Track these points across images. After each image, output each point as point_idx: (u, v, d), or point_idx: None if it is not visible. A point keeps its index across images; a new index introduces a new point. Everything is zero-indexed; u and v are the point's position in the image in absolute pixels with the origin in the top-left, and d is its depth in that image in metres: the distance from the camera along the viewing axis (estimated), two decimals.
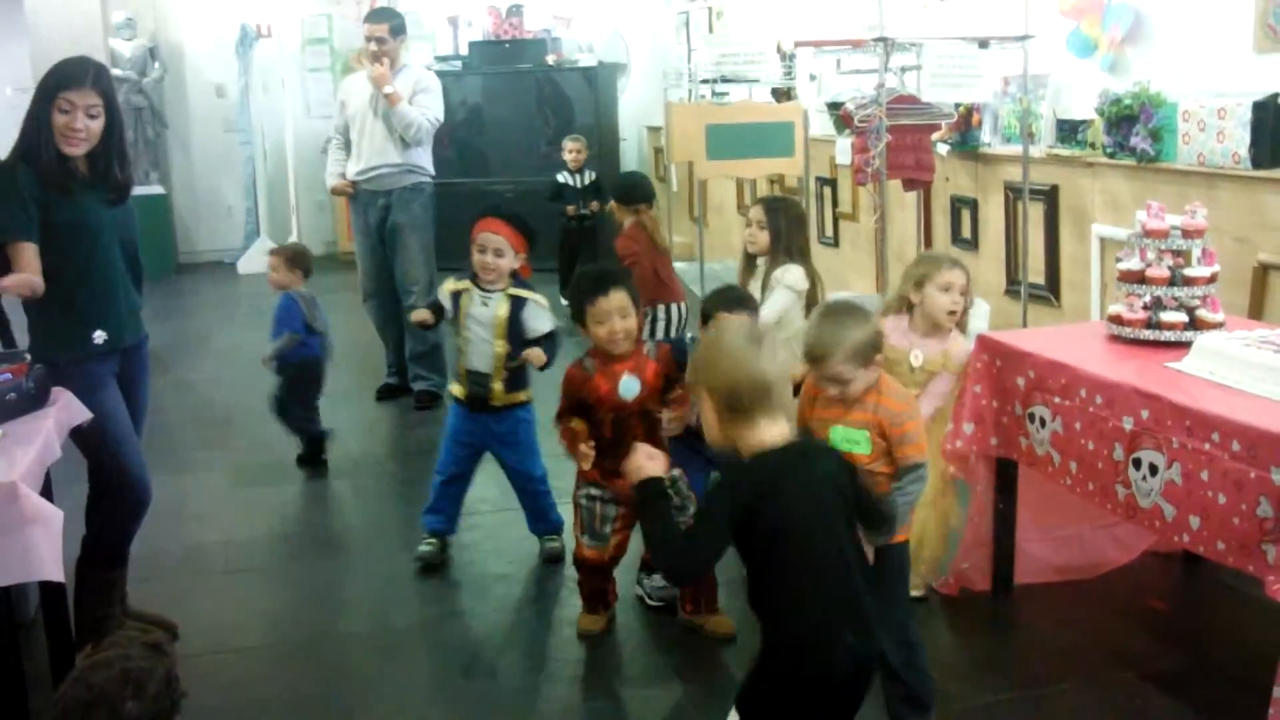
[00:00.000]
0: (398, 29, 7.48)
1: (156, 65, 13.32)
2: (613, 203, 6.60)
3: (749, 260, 5.25)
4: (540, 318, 4.94)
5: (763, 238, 5.13)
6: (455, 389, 5.03)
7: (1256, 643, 3.54)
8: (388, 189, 7.48)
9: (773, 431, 2.83)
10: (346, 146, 7.63)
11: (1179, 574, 4.71)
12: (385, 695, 4.08)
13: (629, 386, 4.16)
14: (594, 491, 4.31)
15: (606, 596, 4.50)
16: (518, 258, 4.91)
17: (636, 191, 6.47)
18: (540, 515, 5.17)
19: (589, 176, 10.48)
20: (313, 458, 6.47)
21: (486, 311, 4.87)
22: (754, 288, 5.18)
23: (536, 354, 4.87)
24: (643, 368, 4.20)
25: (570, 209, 10.26)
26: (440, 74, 8.81)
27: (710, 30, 11.35)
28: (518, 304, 4.90)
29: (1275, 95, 5.38)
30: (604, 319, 4.14)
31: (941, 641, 4.28)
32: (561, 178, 10.43)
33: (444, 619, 4.67)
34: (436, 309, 5.03)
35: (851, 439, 3.43)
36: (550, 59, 12.98)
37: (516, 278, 4.94)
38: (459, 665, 4.31)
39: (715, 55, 8.27)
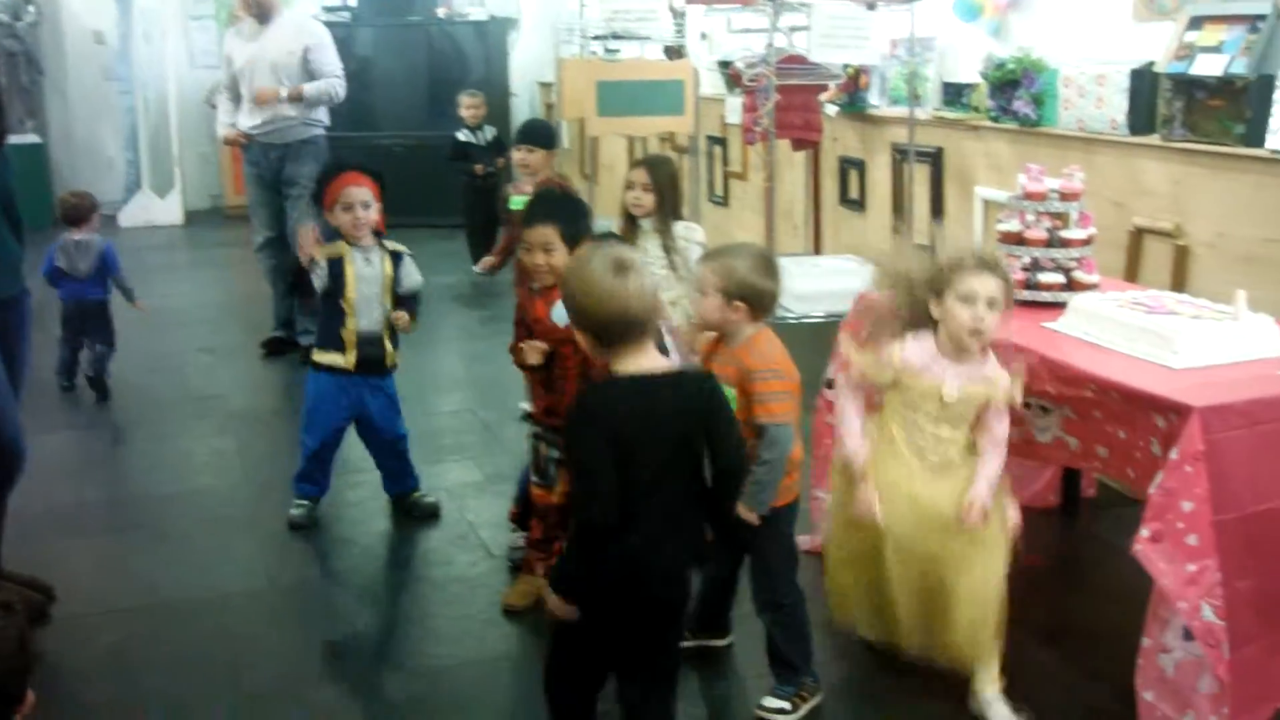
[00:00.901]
0: None
1: (31, 9, 12.89)
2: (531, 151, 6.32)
3: (631, 222, 5.17)
4: (415, 271, 4.92)
5: (648, 199, 5.08)
6: (336, 358, 4.85)
7: (1127, 595, 3.64)
8: (284, 141, 7.39)
9: (642, 360, 2.89)
10: (236, 100, 7.51)
11: (1054, 529, 4.83)
12: (272, 655, 4.05)
13: (560, 313, 4.09)
14: (537, 430, 4.24)
15: (550, 552, 4.24)
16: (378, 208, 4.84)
17: (555, 135, 6.40)
18: (405, 473, 5.13)
19: (490, 133, 10.29)
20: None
21: (372, 270, 4.80)
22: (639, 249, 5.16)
23: (403, 317, 4.85)
24: None
25: (479, 168, 10.00)
26: (328, 25, 8.68)
27: None
28: (396, 259, 4.86)
29: (1152, 64, 5.50)
30: (529, 249, 4.06)
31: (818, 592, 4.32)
32: (463, 135, 10.18)
33: (331, 577, 4.64)
34: (301, 277, 4.82)
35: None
36: (440, 12, 12.84)
37: (377, 232, 4.87)
38: (347, 624, 4.30)
39: (607, 12, 8.25)
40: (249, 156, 7.57)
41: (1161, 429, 3.30)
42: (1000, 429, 3.52)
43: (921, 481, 3.52)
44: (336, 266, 4.77)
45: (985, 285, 3.43)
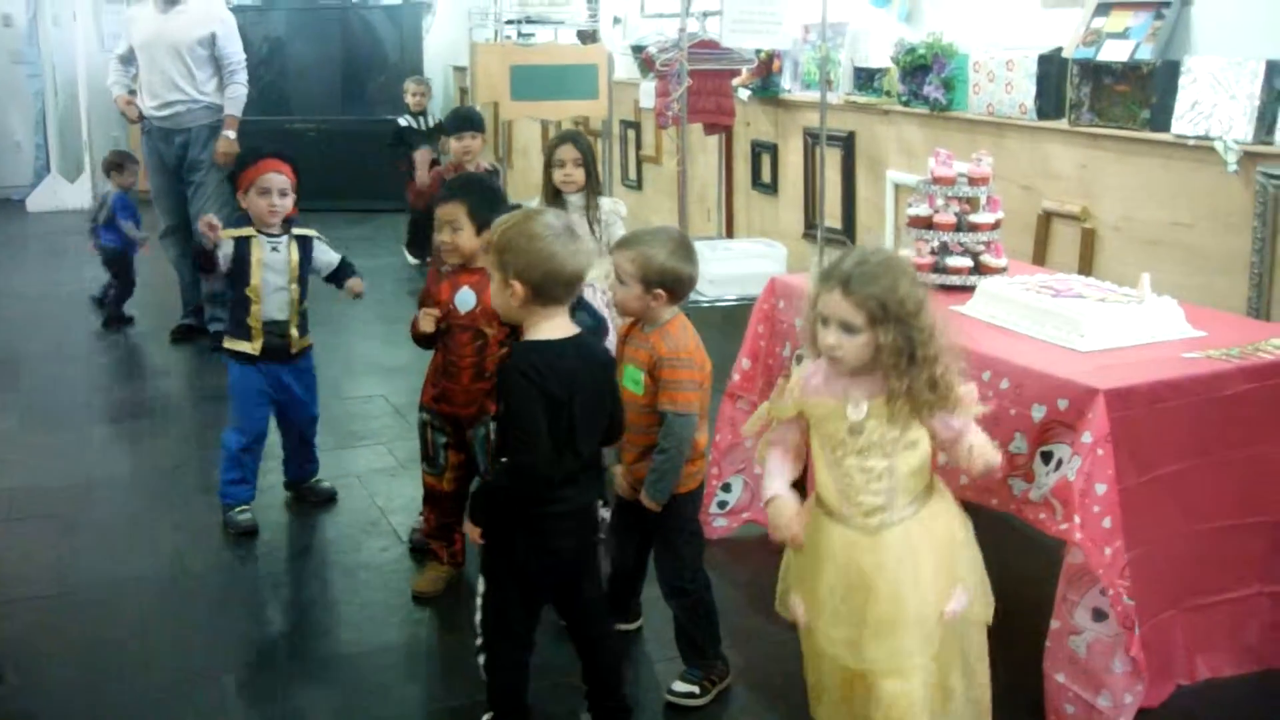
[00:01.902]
0: None
1: None
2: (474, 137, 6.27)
3: (557, 197, 5.13)
4: (329, 251, 4.88)
5: (579, 174, 5.06)
6: (244, 345, 4.76)
7: (1036, 579, 3.66)
8: (185, 126, 7.25)
9: (558, 325, 3.03)
10: (127, 65, 7.37)
11: (979, 515, 4.85)
12: (181, 644, 3.97)
13: (464, 298, 4.07)
14: (425, 417, 4.21)
15: (451, 540, 4.30)
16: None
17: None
18: (309, 458, 5.07)
19: (433, 119, 10.04)
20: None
21: (279, 257, 4.71)
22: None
23: (357, 283, 4.89)
24: (484, 288, 4.10)
25: (419, 155, 9.36)
26: (241, 9, 8.58)
27: None
28: (304, 244, 4.79)
29: (1059, 49, 5.56)
30: (439, 227, 4.04)
31: (726, 578, 4.30)
32: (404, 121, 9.87)
33: (240, 565, 4.56)
34: (205, 255, 4.76)
35: (632, 377, 3.46)
36: None
37: (287, 219, 4.79)
38: (257, 612, 4.24)
39: None
40: (148, 142, 7.42)
41: (1036, 422, 3.33)
42: (970, 441, 2.89)
43: (859, 550, 2.92)
44: (242, 253, 4.68)
45: (833, 307, 2.77)
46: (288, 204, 4.72)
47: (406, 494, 4.98)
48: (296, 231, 4.79)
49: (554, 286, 2.98)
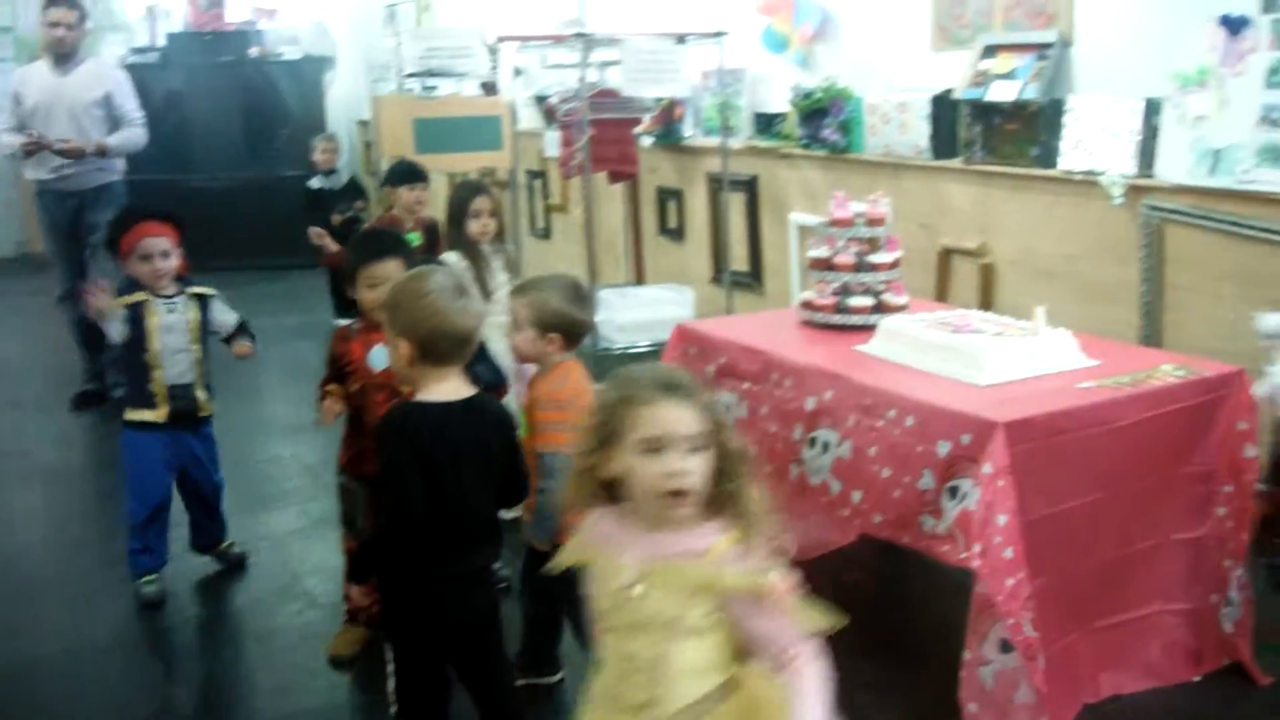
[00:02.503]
0: (84, 16, 7.19)
1: None
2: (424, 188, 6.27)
3: (470, 248, 5.11)
4: (227, 311, 4.78)
5: (494, 225, 5.11)
6: (147, 414, 4.64)
7: (949, 610, 3.71)
8: (80, 189, 7.16)
9: (449, 384, 3.00)
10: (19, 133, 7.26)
11: (887, 552, 4.89)
12: (88, 717, 3.92)
13: (377, 357, 4.01)
14: (343, 479, 4.14)
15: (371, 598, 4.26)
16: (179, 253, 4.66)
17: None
18: (217, 525, 4.95)
19: (345, 177, 9.72)
20: None
21: (177, 318, 4.61)
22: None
23: (244, 346, 4.75)
24: None
25: (336, 218, 8.99)
26: (137, 67, 8.51)
27: (418, 23, 11.27)
28: (203, 302, 4.70)
29: (950, 91, 5.68)
30: (375, 284, 3.90)
31: None
32: (315, 183, 9.48)
33: (149, 637, 4.47)
34: (90, 328, 4.62)
35: (523, 423, 3.48)
36: (254, 51, 12.65)
37: (181, 277, 4.69)
38: (168, 684, 4.17)
39: (422, 49, 8.19)
40: (42, 204, 7.29)
41: (941, 458, 3.39)
42: (783, 641, 2.23)
43: None
44: (137, 318, 4.55)
45: (679, 422, 2.22)
46: (172, 264, 4.60)
47: (320, 556, 4.93)
48: (193, 290, 4.69)
49: (441, 345, 2.96)
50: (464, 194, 5.17)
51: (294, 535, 5.26)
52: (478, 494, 3.01)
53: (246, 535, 5.13)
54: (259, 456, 6.35)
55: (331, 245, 7.49)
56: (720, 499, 2.26)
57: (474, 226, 5.06)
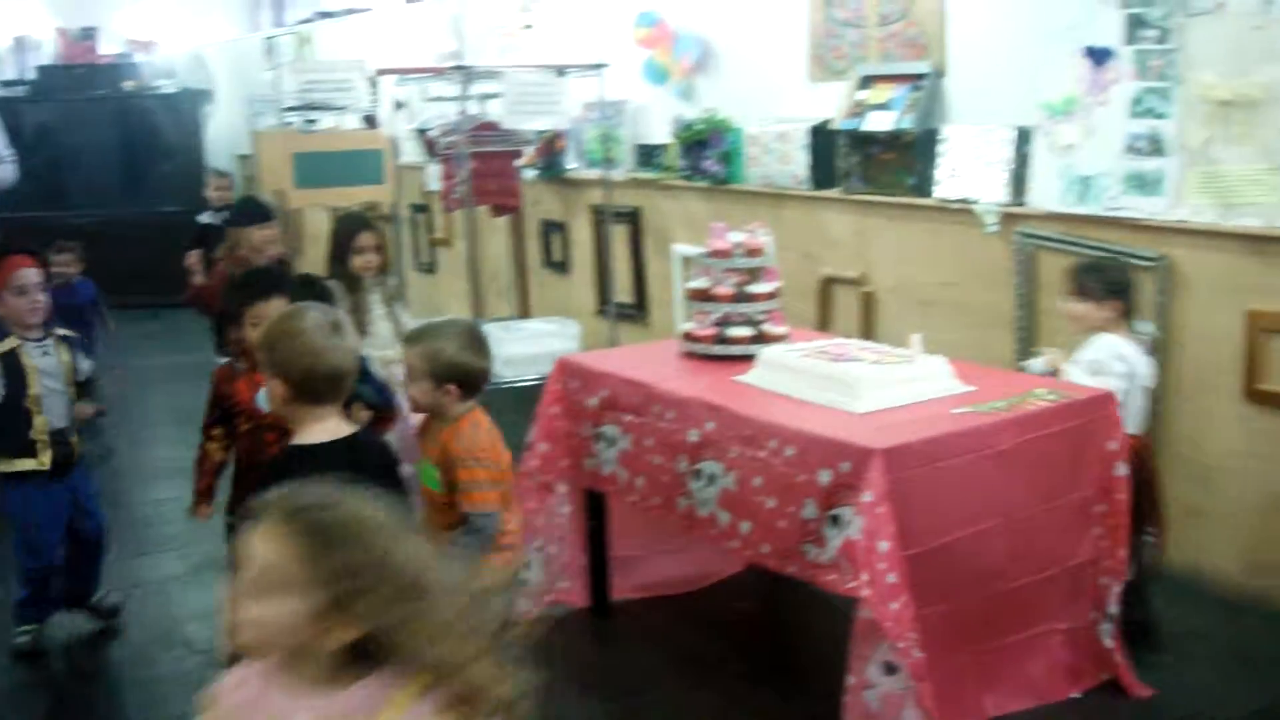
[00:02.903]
0: None
1: None
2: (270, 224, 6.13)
3: (354, 282, 5.06)
4: (84, 358, 4.64)
5: (378, 259, 5.07)
6: (29, 464, 4.42)
7: (835, 637, 3.73)
8: None
9: (327, 424, 2.94)
10: None
11: (777, 579, 4.92)
12: None
13: (265, 397, 3.96)
14: (230, 520, 4.02)
15: None
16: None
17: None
18: (94, 575, 4.75)
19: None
20: None
21: (52, 360, 4.47)
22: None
23: (87, 410, 4.62)
24: None
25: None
26: (5, 100, 8.32)
27: (298, 56, 11.18)
28: (70, 344, 4.57)
29: (828, 121, 5.76)
30: (259, 322, 3.81)
31: (539, 660, 4.30)
32: (205, 218, 9.00)
33: (21, 694, 4.32)
34: None
35: (430, 475, 3.42)
36: (128, 85, 12.45)
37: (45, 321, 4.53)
38: None
39: (302, 82, 8.12)
40: None
41: (823, 486, 3.42)
42: None
43: None
44: (11, 364, 4.38)
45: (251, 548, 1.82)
46: (45, 300, 4.47)
47: (201, 601, 4.82)
48: (59, 332, 4.57)
49: (317, 384, 2.91)
50: (348, 228, 5.11)
51: (174, 581, 5.14)
52: None
53: (124, 582, 4.99)
54: (139, 500, 6.21)
55: (199, 275, 7.34)
56: (375, 644, 1.77)
57: (358, 261, 5.01)
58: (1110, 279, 4.23)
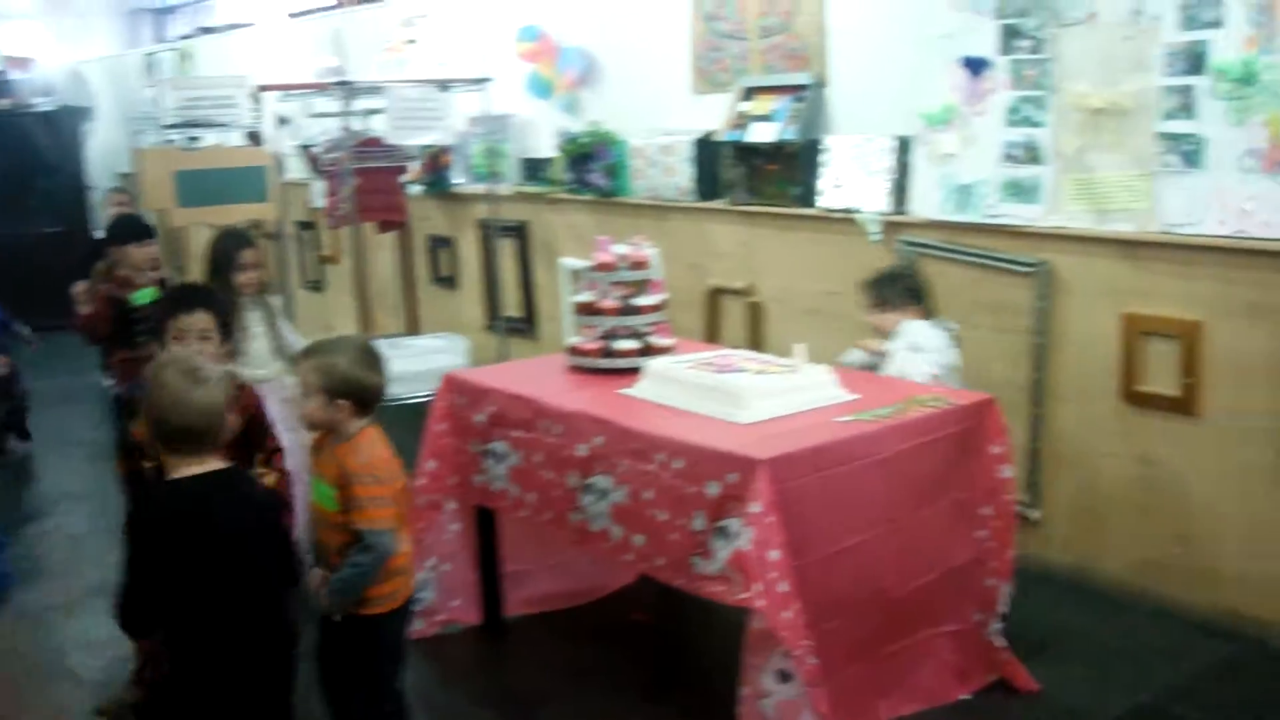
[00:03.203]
0: None
1: None
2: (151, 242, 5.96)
3: (233, 300, 4.97)
4: None
5: (260, 276, 4.99)
6: None
7: (728, 647, 3.74)
8: None
9: (201, 466, 2.90)
10: None
11: (668, 591, 4.91)
12: None
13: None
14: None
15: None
16: None
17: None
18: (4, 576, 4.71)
19: None
20: None
21: None
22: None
23: None
24: None
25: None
26: None
27: (179, 72, 11.01)
28: None
29: (711, 133, 5.78)
30: (181, 337, 3.80)
31: (432, 680, 4.29)
32: (101, 235, 9.28)
33: None
34: None
35: (323, 493, 3.36)
36: (5, 103, 12.17)
37: None
38: None
39: (182, 99, 7.99)
40: None
41: (712, 498, 3.42)
42: None
43: None
44: None
45: None
46: None
47: (86, 631, 4.70)
48: None
49: (186, 436, 2.90)
50: (229, 244, 5.01)
51: (54, 611, 5.02)
52: (243, 580, 2.91)
53: (8, 613, 4.87)
54: (19, 529, 6.05)
55: (85, 304, 7.18)
56: None
57: (240, 278, 4.91)
58: (908, 285, 4.45)
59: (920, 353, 4.23)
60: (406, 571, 3.44)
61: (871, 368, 4.28)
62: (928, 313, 4.43)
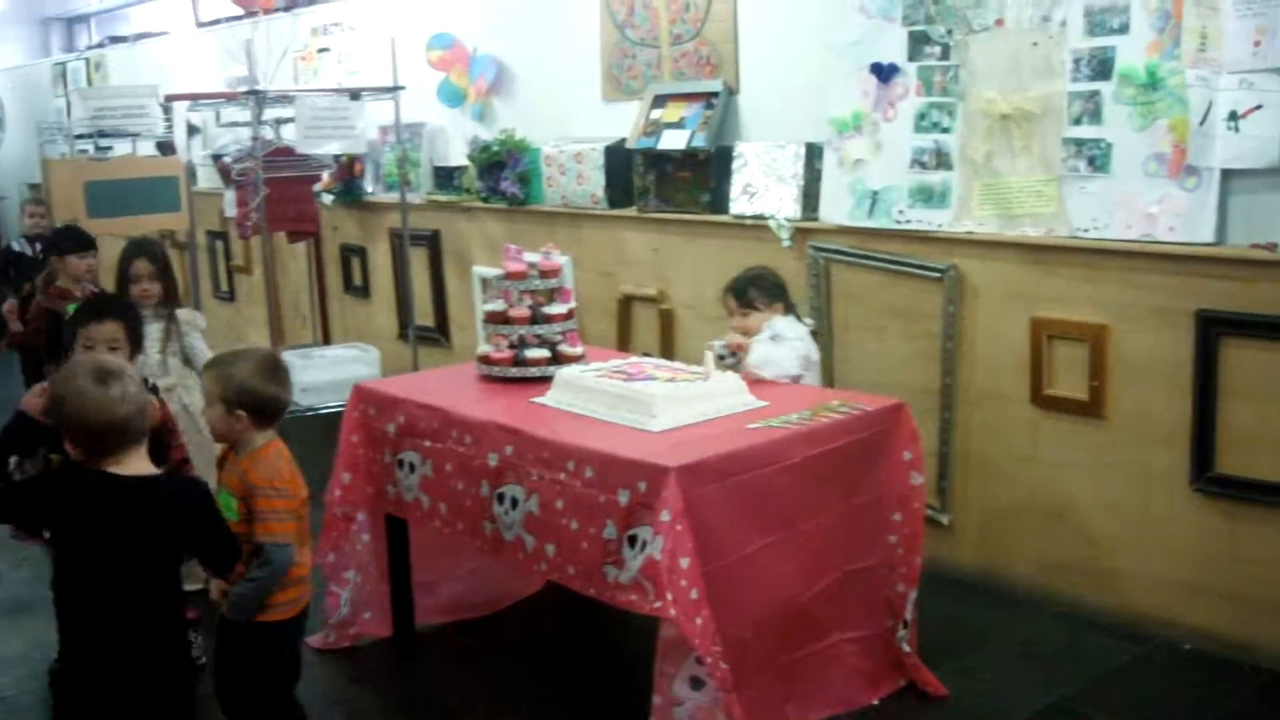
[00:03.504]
0: None
1: None
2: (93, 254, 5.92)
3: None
4: None
5: (156, 288, 4.92)
6: None
7: (640, 655, 3.72)
8: None
9: (129, 468, 2.88)
10: None
11: (577, 600, 4.88)
12: None
13: None
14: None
15: None
16: None
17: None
18: None
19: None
20: None
21: None
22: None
23: None
24: None
25: (27, 285, 8.69)
26: None
27: (90, 82, 10.85)
28: None
29: (623, 140, 5.77)
30: (91, 346, 3.85)
31: (349, 692, 4.22)
32: (16, 245, 8.66)
33: None
34: None
35: (226, 504, 3.32)
36: None
37: None
38: None
39: (92, 108, 7.87)
40: None
41: (622, 506, 3.40)
42: None
43: None
44: None
45: None
46: None
47: (13, 647, 4.56)
48: None
49: (105, 438, 2.86)
50: (124, 256, 4.98)
51: None
52: (119, 580, 2.87)
53: None
54: None
55: (16, 323, 7.03)
56: None
57: (134, 290, 4.87)
58: (769, 285, 4.49)
59: (784, 341, 4.28)
60: (305, 581, 3.42)
61: (734, 364, 4.28)
62: (788, 309, 4.49)
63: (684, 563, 3.28)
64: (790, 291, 4.53)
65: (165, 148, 8.79)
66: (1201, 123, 4.01)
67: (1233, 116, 3.95)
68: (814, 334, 4.57)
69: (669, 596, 3.26)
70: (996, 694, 3.97)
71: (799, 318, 4.54)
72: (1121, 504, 4.35)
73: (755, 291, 4.46)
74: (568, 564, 3.60)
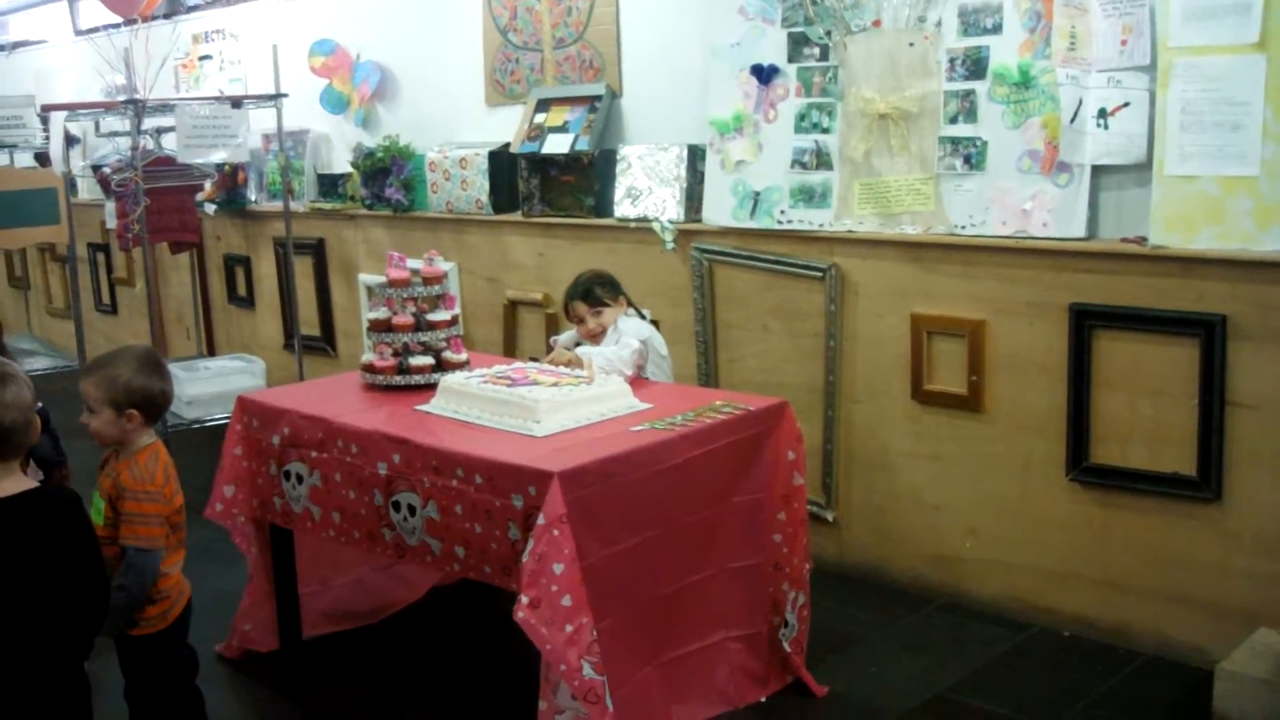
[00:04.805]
0: None
1: None
2: None
3: None
4: None
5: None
6: None
7: (529, 663, 3.71)
8: None
9: (8, 481, 2.77)
10: None
11: (466, 605, 4.88)
12: None
13: None
14: None
15: None
16: None
17: None
18: None
19: None
20: None
21: None
22: None
23: None
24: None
25: None
26: None
27: None
28: None
29: (507, 144, 5.77)
30: None
31: (229, 708, 4.18)
32: None
33: None
34: None
35: (96, 506, 3.26)
36: None
37: None
38: None
39: None
40: None
41: (519, 509, 3.39)
42: None
43: None
44: None
45: None
46: None
47: None
48: None
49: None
50: None
51: None
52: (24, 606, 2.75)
53: None
54: None
55: None
56: None
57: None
58: (609, 281, 4.66)
59: (624, 337, 4.38)
60: (175, 593, 3.37)
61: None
62: (629, 303, 4.64)
63: (557, 568, 3.25)
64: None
65: (42, 159, 8.64)
66: (1072, 120, 4.10)
67: (1102, 114, 4.06)
68: (654, 323, 4.70)
69: (524, 600, 3.25)
70: (881, 687, 4.02)
71: (639, 312, 4.65)
72: (1001, 495, 4.43)
73: (601, 290, 4.58)
74: (483, 563, 3.55)
